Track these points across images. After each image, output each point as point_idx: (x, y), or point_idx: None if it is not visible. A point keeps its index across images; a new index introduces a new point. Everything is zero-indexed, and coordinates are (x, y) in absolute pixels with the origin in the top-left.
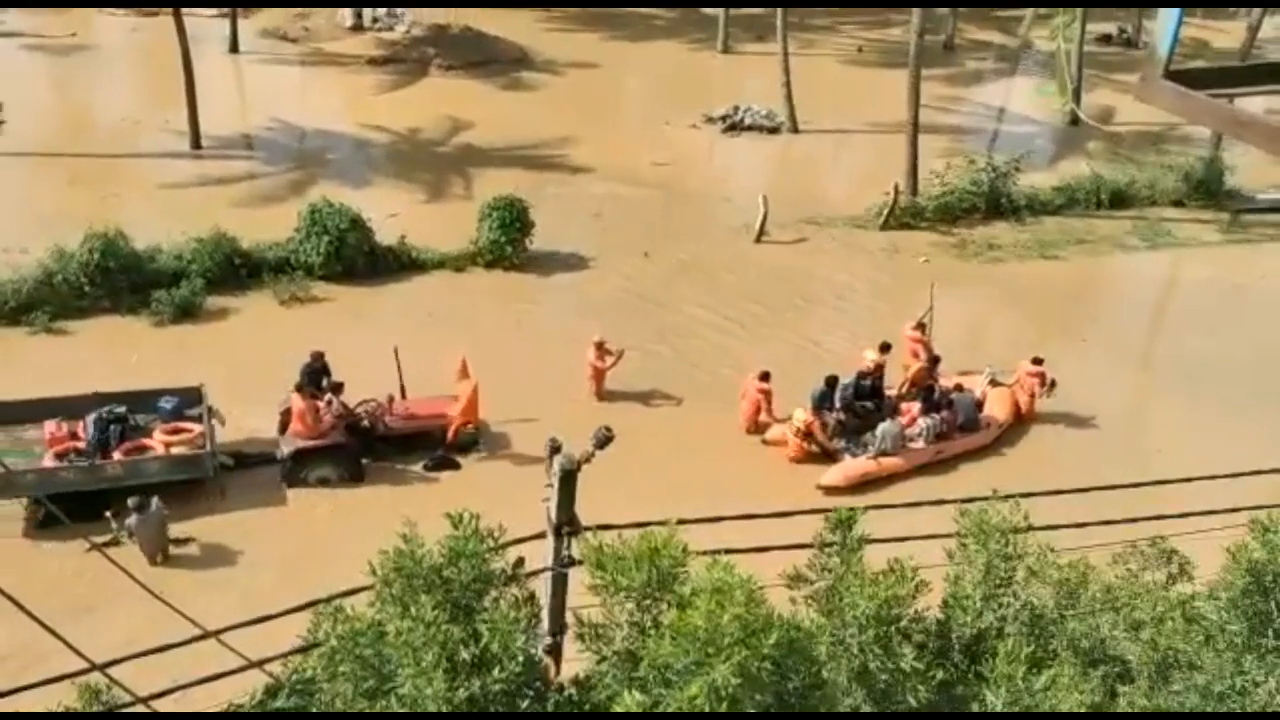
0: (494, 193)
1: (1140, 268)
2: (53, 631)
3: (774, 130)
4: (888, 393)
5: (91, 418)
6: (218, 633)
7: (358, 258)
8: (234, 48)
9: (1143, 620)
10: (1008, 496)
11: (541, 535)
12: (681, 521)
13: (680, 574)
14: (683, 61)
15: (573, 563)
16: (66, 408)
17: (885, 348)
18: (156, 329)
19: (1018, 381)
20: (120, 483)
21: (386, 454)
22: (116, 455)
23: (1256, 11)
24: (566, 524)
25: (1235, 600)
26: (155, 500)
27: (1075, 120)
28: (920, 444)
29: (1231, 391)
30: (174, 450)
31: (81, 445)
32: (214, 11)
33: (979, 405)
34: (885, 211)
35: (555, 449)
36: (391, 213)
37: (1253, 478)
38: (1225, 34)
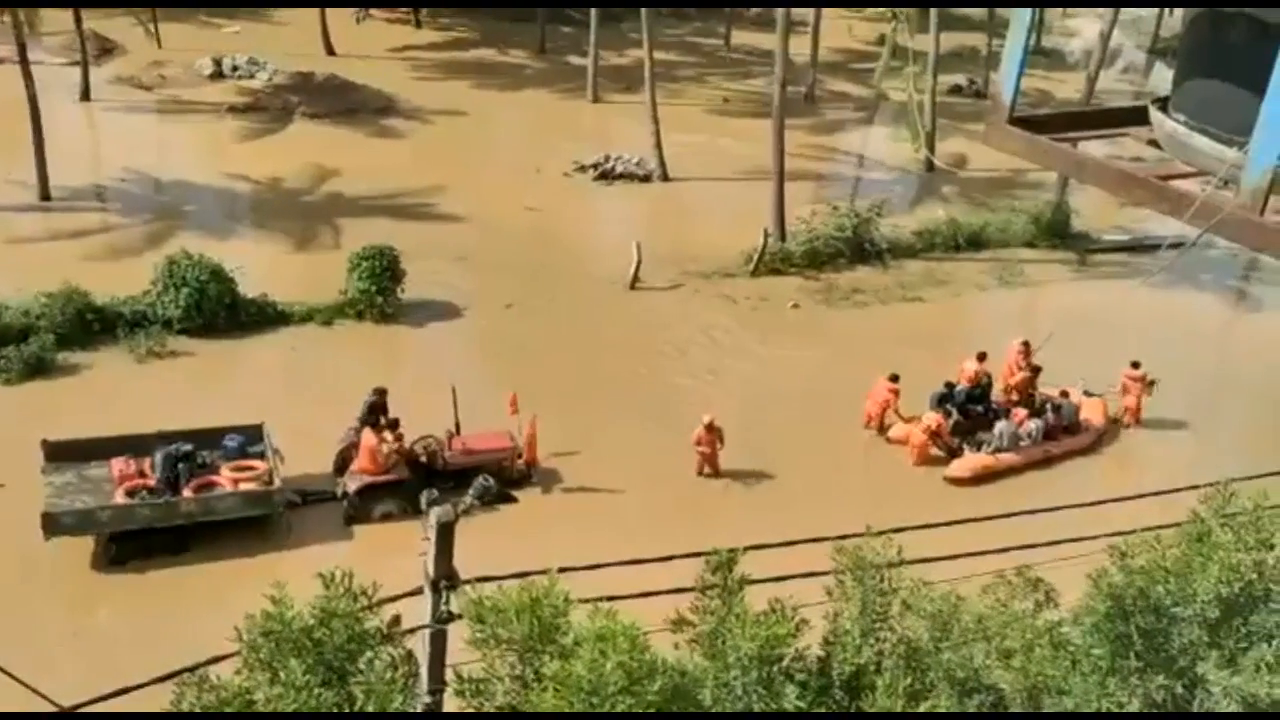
0: (363, 242)
1: (996, 306)
2: None
3: (645, 179)
4: (996, 398)
5: (160, 455)
6: (74, 709)
7: (219, 311)
8: (85, 95)
9: (1013, 648)
10: (881, 533)
11: (418, 591)
12: (563, 569)
13: (562, 624)
14: (553, 110)
15: (451, 618)
16: (132, 446)
17: (982, 356)
18: (5, 387)
19: (1123, 388)
20: (193, 519)
21: (445, 488)
22: (186, 492)
23: (1094, 63)
24: (445, 578)
25: (1098, 625)
26: None
27: (931, 166)
28: (1029, 443)
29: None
30: (242, 487)
31: (151, 483)
32: (63, 59)
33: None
34: (756, 258)
35: (432, 501)
36: (237, 266)
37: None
38: (1066, 84)
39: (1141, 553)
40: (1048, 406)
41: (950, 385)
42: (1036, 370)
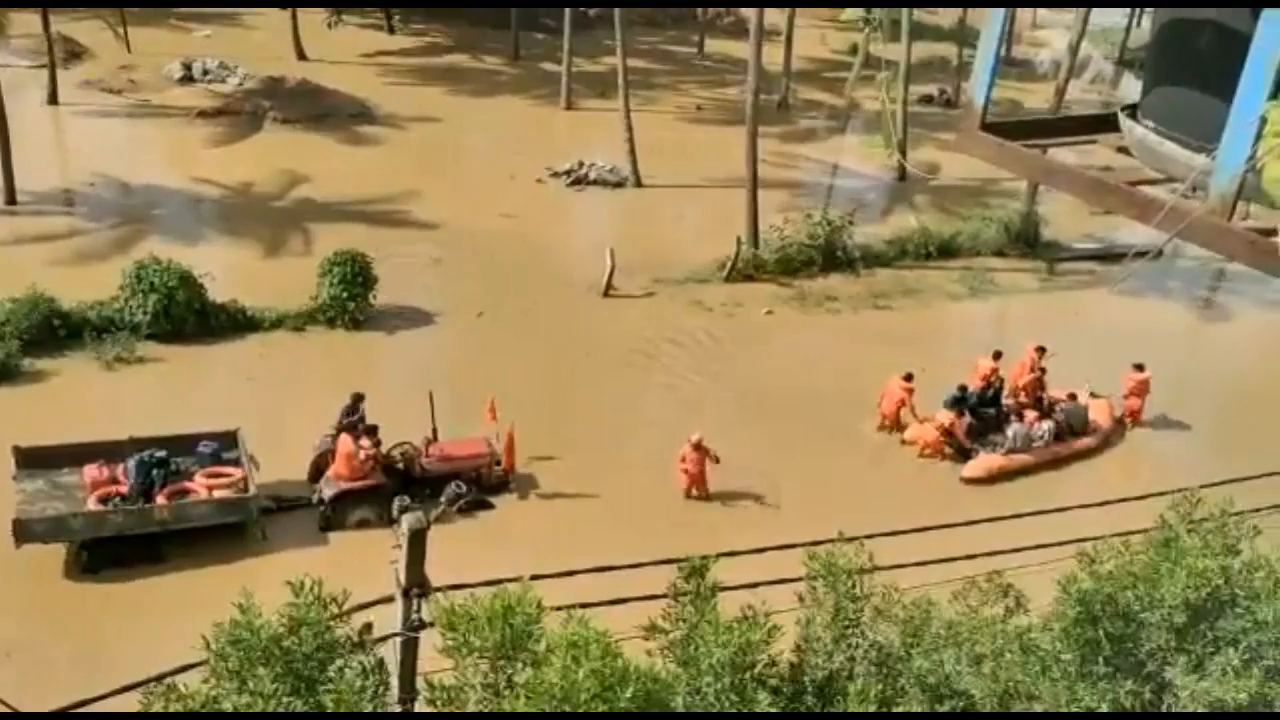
0: (334, 248)
1: (966, 315)
2: None
3: (618, 185)
4: (1005, 401)
5: (133, 462)
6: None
7: (188, 316)
8: (53, 99)
9: (984, 654)
10: (852, 539)
11: (390, 599)
12: (536, 577)
13: (535, 631)
14: (527, 117)
15: (422, 625)
16: (104, 452)
17: (997, 355)
18: None
19: (1132, 391)
20: (167, 526)
21: (422, 495)
22: (160, 499)
23: (1063, 73)
24: (416, 585)
25: (1067, 630)
26: None
27: (903, 175)
28: (1041, 444)
29: None
30: (217, 494)
31: (124, 489)
32: (30, 62)
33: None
34: (729, 265)
35: (404, 508)
36: (205, 272)
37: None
38: (1035, 94)
39: (1110, 558)
40: (1057, 408)
41: (963, 388)
42: (1042, 371)
